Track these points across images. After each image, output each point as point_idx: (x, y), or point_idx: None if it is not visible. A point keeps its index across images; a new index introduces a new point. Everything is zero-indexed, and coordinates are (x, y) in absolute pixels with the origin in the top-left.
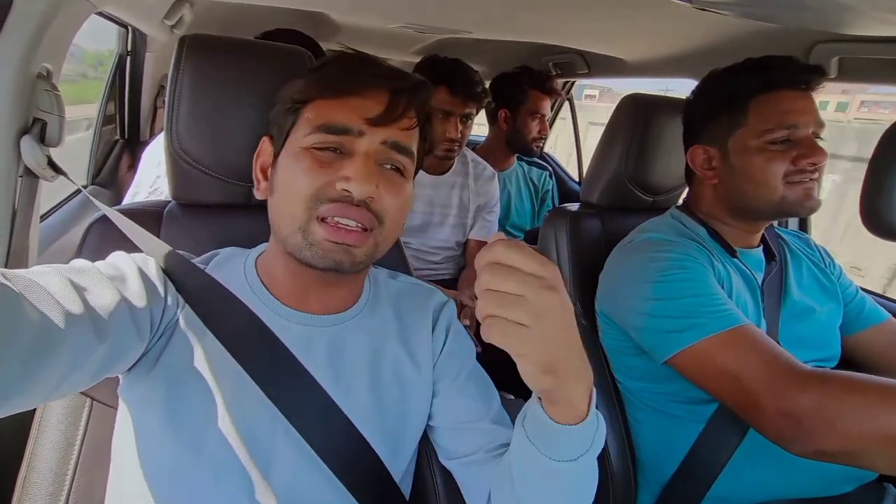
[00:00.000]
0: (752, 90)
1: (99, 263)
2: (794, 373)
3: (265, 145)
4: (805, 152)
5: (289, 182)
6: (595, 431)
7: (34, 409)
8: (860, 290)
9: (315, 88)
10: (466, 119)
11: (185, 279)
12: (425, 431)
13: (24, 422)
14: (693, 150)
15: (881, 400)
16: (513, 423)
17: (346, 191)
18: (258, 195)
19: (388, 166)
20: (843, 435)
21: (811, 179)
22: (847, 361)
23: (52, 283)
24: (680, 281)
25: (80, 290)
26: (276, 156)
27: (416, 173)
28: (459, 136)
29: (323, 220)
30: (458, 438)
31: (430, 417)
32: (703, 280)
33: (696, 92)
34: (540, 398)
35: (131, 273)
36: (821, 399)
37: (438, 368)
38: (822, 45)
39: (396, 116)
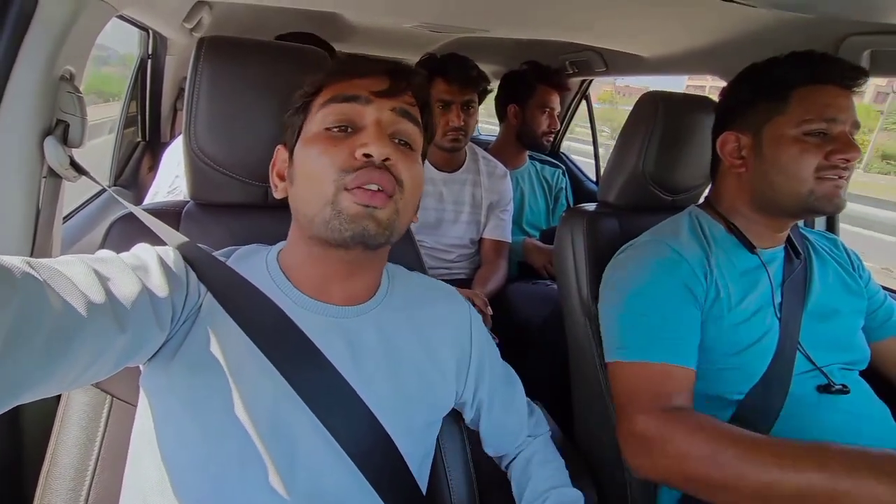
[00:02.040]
0: (799, 80)
1: (123, 254)
2: (660, 407)
3: (280, 153)
4: (840, 148)
5: (310, 165)
6: None
7: (56, 407)
8: (889, 297)
9: (324, 76)
10: (468, 107)
11: (207, 270)
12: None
13: (46, 418)
14: (724, 137)
15: (741, 454)
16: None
17: (367, 155)
18: (277, 194)
19: (398, 140)
20: (687, 473)
21: (840, 177)
22: (872, 368)
23: (76, 273)
24: (641, 302)
25: (103, 279)
26: (291, 153)
27: (422, 159)
28: (462, 123)
29: (348, 190)
30: (501, 440)
31: (473, 420)
32: (666, 303)
33: (737, 78)
34: None
35: (153, 263)
36: (673, 434)
37: (474, 381)
38: (854, 37)
39: (400, 91)
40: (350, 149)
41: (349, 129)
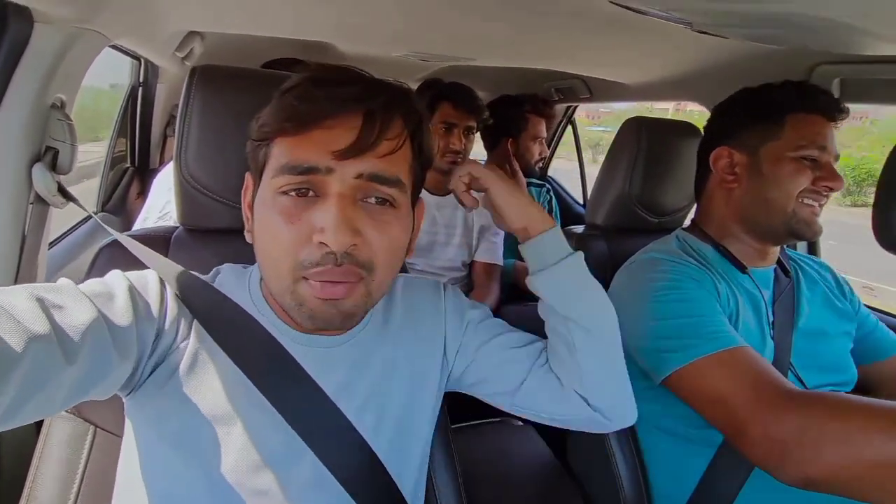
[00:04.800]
0: (792, 106)
1: (90, 280)
2: (779, 395)
3: (249, 182)
4: (827, 176)
5: (266, 233)
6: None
7: (36, 437)
8: (880, 322)
9: (274, 123)
10: (469, 132)
11: (197, 299)
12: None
13: (25, 449)
14: (718, 151)
15: (866, 424)
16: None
17: (324, 244)
18: (248, 238)
19: (372, 200)
20: (828, 461)
21: (818, 204)
22: (863, 390)
23: (16, 301)
24: (675, 301)
25: (50, 308)
26: (255, 193)
27: (417, 192)
28: (462, 148)
29: (307, 279)
30: (506, 373)
31: (475, 384)
32: (699, 300)
33: (730, 100)
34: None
35: (120, 290)
36: (804, 423)
37: (465, 345)
38: (824, 66)
39: (371, 143)
40: (307, 228)
41: (309, 192)
